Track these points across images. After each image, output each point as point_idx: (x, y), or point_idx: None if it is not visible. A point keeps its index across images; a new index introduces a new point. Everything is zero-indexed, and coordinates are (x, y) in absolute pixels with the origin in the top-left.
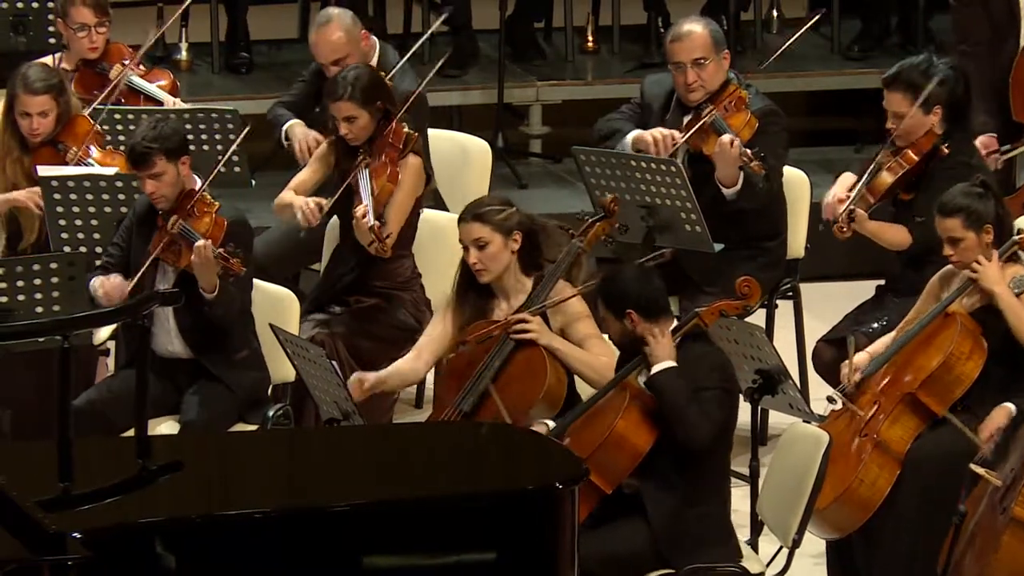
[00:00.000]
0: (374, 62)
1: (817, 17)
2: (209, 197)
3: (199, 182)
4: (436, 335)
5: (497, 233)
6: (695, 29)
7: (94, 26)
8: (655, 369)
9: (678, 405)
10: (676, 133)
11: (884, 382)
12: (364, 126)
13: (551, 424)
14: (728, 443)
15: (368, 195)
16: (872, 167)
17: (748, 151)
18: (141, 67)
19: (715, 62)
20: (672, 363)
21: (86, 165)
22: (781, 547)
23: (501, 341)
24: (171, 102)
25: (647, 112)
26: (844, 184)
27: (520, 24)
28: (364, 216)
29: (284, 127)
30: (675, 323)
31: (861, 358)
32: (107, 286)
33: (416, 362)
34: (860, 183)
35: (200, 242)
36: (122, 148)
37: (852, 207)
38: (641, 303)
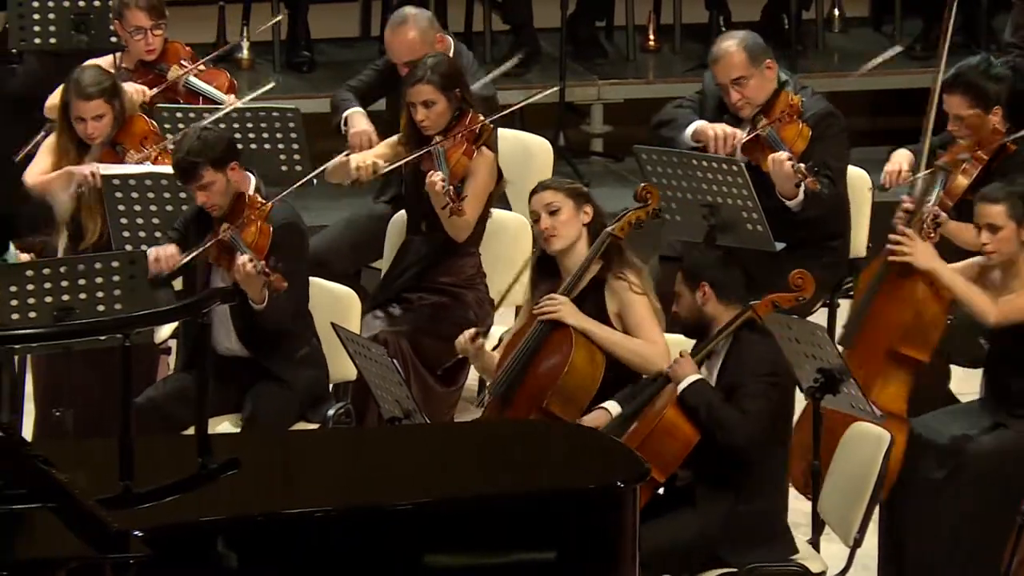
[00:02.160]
0: None
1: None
2: (260, 199)
3: (252, 180)
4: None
5: (569, 199)
6: (729, 48)
7: (150, 28)
8: (681, 387)
9: (712, 414)
10: (739, 133)
11: (859, 350)
12: (441, 112)
13: (612, 408)
14: (782, 438)
15: (444, 168)
16: (941, 168)
17: (802, 167)
18: (200, 67)
19: (756, 77)
20: (696, 376)
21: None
22: (852, 550)
23: (535, 326)
24: (230, 101)
25: (709, 105)
26: (904, 157)
27: (582, 23)
28: (441, 180)
29: (345, 113)
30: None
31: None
32: (159, 252)
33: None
34: (934, 186)
35: (240, 260)
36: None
37: (937, 212)
38: (718, 279)
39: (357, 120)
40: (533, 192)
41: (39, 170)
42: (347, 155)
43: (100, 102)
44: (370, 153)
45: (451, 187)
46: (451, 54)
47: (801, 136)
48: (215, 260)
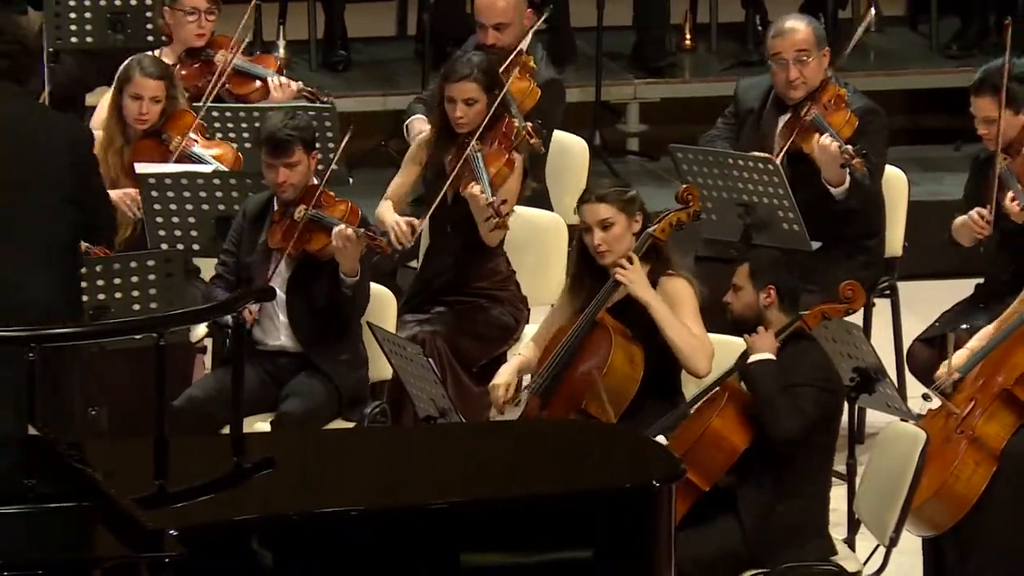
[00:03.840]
0: (525, 43)
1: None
2: (334, 194)
3: (317, 178)
4: (553, 323)
5: (622, 213)
6: (798, 25)
7: (204, 12)
8: (752, 359)
9: (769, 396)
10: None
11: (980, 378)
12: (480, 111)
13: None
14: (828, 443)
15: (484, 177)
16: (1001, 172)
17: (849, 148)
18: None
19: (816, 59)
20: (770, 355)
21: (191, 154)
22: (878, 545)
23: (576, 327)
24: (279, 81)
25: (743, 119)
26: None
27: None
28: (481, 192)
29: (408, 121)
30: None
31: (960, 358)
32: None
33: (536, 352)
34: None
35: (341, 226)
36: (222, 136)
37: None
38: (784, 284)
39: (414, 126)
40: (584, 200)
41: None
42: (383, 214)
43: (161, 84)
44: (400, 180)
45: (494, 199)
46: (530, 38)
47: (848, 124)
48: (281, 243)
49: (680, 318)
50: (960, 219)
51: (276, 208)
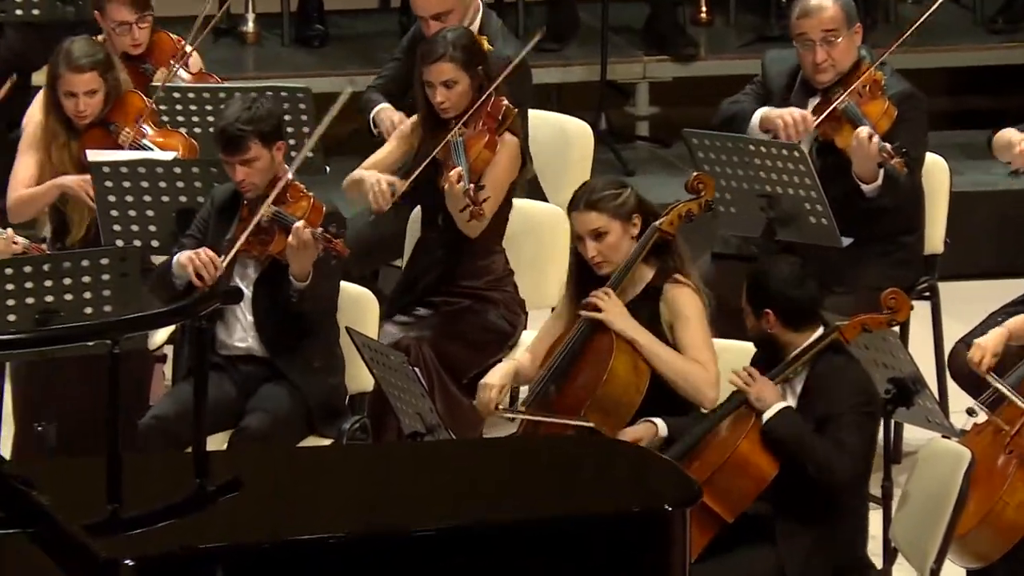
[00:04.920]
0: (476, 24)
1: None
2: (302, 186)
3: (288, 170)
4: (550, 332)
5: (615, 220)
6: (825, 2)
7: (135, 22)
8: (767, 416)
9: (805, 449)
10: (810, 116)
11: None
12: (462, 92)
13: (660, 424)
14: (867, 469)
15: (463, 161)
16: None
17: (888, 147)
18: (190, 60)
19: (847, 38)
20: (783, 403)
21: (141, 146)
22: None
23: (575, 330)
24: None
25: (770, 91)
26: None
27: None
28: (459, 180)
29: (372, 113)
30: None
31: (993, 337)
32: (196, 262)
33: (533, 363)
34: None
35: (298, 223)
36: (182, 129)
37: None
38: (783, 306)
39: (382, 116)
40: (574, 207)
41: (23, 178)
42: (361, 174)
43: (93, 75)
44: (383, 153)
45: (471, 186)
46: (479, 16)
47: (886, 115)
48: (250, 248)
49: (683, 334)
50: (1009, 135)
51: (244, 204)
